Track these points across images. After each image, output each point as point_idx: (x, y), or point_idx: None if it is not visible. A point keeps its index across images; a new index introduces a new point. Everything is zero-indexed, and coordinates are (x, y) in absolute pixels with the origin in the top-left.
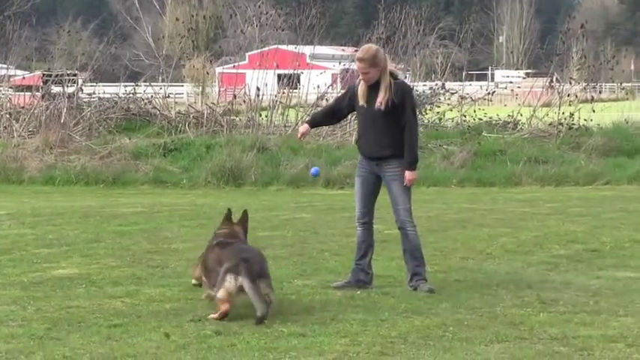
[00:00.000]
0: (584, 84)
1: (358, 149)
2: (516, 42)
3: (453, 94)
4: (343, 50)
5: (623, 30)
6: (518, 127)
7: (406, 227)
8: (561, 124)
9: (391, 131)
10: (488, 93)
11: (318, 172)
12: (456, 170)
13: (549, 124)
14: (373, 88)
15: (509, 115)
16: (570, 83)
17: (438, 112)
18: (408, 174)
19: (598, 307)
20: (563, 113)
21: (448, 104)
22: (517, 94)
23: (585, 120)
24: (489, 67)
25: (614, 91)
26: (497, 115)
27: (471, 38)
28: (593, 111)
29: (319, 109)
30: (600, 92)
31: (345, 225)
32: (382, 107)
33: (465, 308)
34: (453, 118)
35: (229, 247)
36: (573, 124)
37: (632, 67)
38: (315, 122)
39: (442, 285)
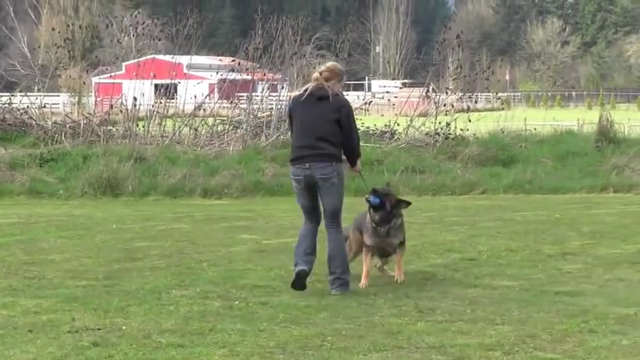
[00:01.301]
0: (460, 94)
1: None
2: (393, 52)
3: None
4: (220, 60)
5: (498, 40)
6: (395, 137)
7: None
8: (438, 133)
9: None
10: (366, 103)
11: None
12: None
13: (426, 134)
14: None
15: (386, 125)
16: (446, 93)
17: None
18: None
19: (475, 315)
20: (439, 123)
21: None
22: (394, 104)
23: (461, 130)
24: (366, 77)
25: (489, 101)
26: (375, 125)
27: (347, 48)
28: (469, 121)
29: None
30: (476, 102)
31: (223, 235)
32: None
33: (344, 317)
34: None
35: None
36: (450, 133)
37: (507, 77)
38: None
39: (321, 294)
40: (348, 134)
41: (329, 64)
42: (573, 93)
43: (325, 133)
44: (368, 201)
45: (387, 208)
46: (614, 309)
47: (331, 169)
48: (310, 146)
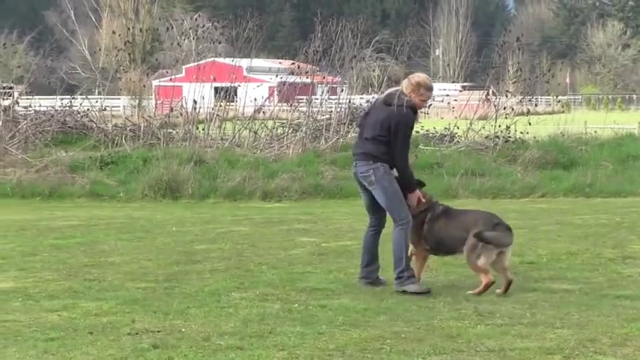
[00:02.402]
0: (520, 97)
1: (388, 163)
2: (452, 55)
3: None
4: (280, 63)
5: (558, 43)
6: (455, 140)
7: None
8: (498, 136)
9: None
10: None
11: None
12: None
13: (486, 137)
14: None
15: (445, 128)
16: (506, 96)
17: None
18: None
19: (535, 319)
20: (499, 126)
21: None
22: (454, 107)
23: (521, 133)
24: None
25: (550, 104)
26: (434, 127)
27: (407, 51)
28: (529, 124)
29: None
30: (536, 105)
31: (282, 238)
32: None
33: (403, 321)
34: None
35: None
36: (509, 136)
37: (568, 80)
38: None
39: (380, 297)
40: (392, 144)
41: (416, 76)
42: (634, 96)
43: (373, 135)
44: None
45: None
46: None
47: (367, 167)
48: (358, 146)
